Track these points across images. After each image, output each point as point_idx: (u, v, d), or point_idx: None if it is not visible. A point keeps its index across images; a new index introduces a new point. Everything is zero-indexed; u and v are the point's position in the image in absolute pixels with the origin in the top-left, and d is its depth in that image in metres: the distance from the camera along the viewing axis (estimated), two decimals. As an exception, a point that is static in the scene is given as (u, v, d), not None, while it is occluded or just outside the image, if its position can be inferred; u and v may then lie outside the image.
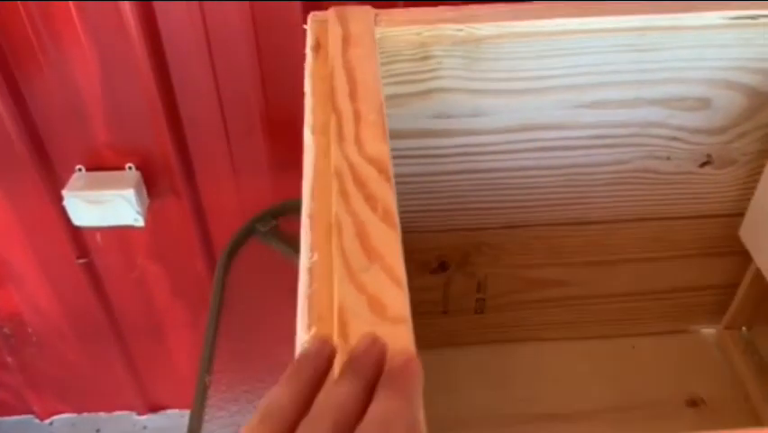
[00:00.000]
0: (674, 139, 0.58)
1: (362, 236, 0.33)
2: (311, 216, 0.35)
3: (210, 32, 0.83)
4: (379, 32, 0.51)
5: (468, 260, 0.68)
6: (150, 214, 0.97)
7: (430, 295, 0.70)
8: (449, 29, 0.51)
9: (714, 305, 0.73)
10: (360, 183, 0.36)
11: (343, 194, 0.35)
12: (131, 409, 1.27)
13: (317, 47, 0.49)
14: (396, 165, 0.58)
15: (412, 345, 0.27)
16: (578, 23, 0.52)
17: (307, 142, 0.40)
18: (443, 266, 0.68)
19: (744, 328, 0.75)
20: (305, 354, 0.26)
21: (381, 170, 0.36)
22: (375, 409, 0.23)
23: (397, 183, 0.60)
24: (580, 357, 0.74)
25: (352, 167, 0.37)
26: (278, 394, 0.24)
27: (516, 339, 0.74)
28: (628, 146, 0.58)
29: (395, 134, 0.56)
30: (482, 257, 0.67)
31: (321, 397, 0.24)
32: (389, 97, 0.54)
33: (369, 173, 0.36)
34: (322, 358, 0.26)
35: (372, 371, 0.25)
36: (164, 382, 1.24)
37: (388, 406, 0.23)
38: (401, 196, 0.61)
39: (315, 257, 0.33)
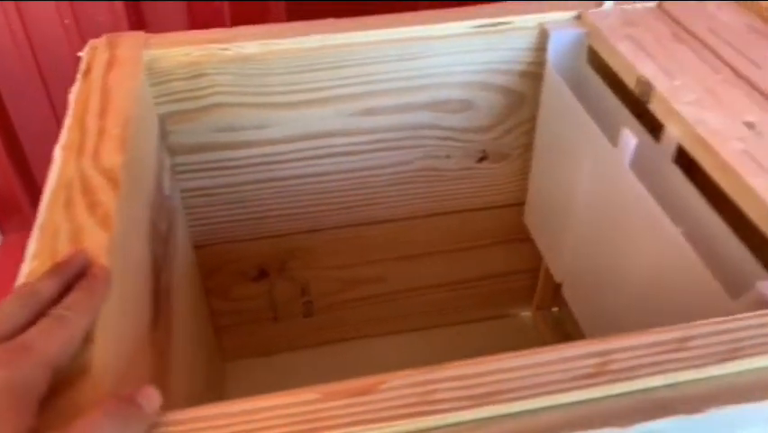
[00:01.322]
0: (448, 138, 0.64)
1: (76, 240, 0.36)
2: (41, 227, 0.37)
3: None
4: (150, 54, 0.54)
5: (286, 265, 0.71)
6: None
7: (257, 303, 0.73)
8: (217, 48, 0.55)
9: (524, 289, 0.80)
10: (87, 192, 0.38)
11: (68, 203, 0.38)
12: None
13: (87, 72, 0.51)
14: (192, 179, 0.61)
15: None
16: (339, 38, 0.57)
17: (55, 159, 0.42)
18: (263, 273, 0.71)
19: (555, 308, 0.82)
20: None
21: (110, 179, 0.39)
22: (65, 299, 0.31)
23: (199, 196, 0.63)
24: (409, 349, 0.79)
25: (83, 178, 0.40)
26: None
27: (347, 338, 0.78)
28: (407, 148, 0.64)
29: (183, 150, 0.59)
30: (298, 262, 0.71)
31: (20, 285, 0.32)
32: (170, 115, 0.57)
33: (98, 183, 0.39)
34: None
35: (71, 274, 0.32)
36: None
37: (74, 296, 0.31)
38: (207, 208, 0.65)
39: (35, 264, 0.35)
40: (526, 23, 0.58)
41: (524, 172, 0.68)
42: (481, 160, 0.67)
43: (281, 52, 0.56)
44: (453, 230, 0.72)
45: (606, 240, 0.53)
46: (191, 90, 0.56)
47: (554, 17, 0.58)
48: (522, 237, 0.73)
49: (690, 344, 0.32)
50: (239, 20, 0.84)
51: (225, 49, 0.54)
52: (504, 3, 0.61)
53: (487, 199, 0.70)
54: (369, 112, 0.61)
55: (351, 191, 0.66)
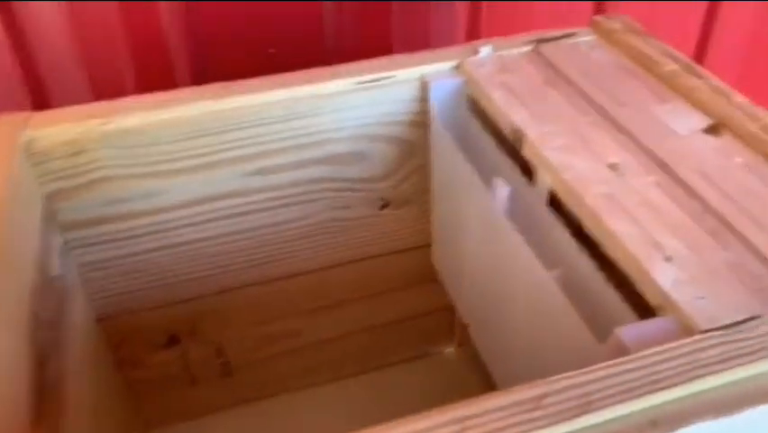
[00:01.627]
0: (347, 190, 0.65)
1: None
2: None
3: None
4: (28, 135, 0.53)
5: (197, 329, 0.70)
6: None
7: (171, 369, 0.72)
8: (96, 123, 0.54)
9: (445, 326, 0.81)
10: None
11: None
12: None
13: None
14: (87, 253, 0.60)
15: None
16: (224, 104, 0.57)
17: None
18: (173, 339, 0.70)
19: (477, 342, 0.83)
20: None
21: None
22: None
23: (96, 269, 0.62)
24: (334, 399, 0.79)
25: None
26: None
27: (269, 394, 0.77)
28: (306, 202, 0.64)
29: (74, 225, 0.58)
30: (210, 324, 0.70)
31: None
32: (56, 193, 0.56)
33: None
34: None
35: None
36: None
37: None
38: (106, 280, 0.63)
39: None
40: (408, 75, 0.59)
41: (428, 215, 0.69)
42: (383, 207, 0.67)
43: (164, 122, 0.56)
44: (365, 276, 0.72)
45: (493, 284, 0.54)
46: (74, 167, 0.55)
47: (435, 68, 0.60)
48: (435, 277, 0.74)
49: (545, 402, 0.33)
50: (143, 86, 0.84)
51: (105, 123, 0.54)
52: (389, 56, 0.62)
53: (396, 243, 0.71)
54: (261, 171, 0.61)
55: (255, 249, 0.66)
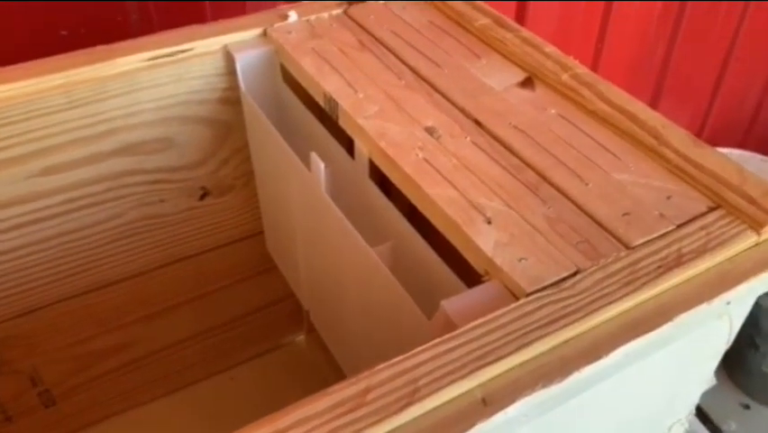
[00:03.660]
0: (157, 182, 0.58)
1: None
2: None
3: None
4: None
5: (1, 358, 0.60)
6: None
7: (-25, 409, 0.62)
8: None
9: (292, 314, 0.76)
10: None
11: None
12: None
13: None
14: None
15: None
16: (-17, 94, 0.48)
17: None
18: (-29, 376, 0.60)
19: (329, 325, 0.80)
20: None
21: None
22: None
23: None
24: (182, 410, 0.72)
25: None
26: None
27: (103, 418, 0.69)
28: (112, 200, 0.56)
29: None
30: (17, 350, 0.61)
31: None
32: None
33: None
34: None
35: None
36: None
37: None
38: None
39: None
40: (209, 47, 0.53)
41: (255, 201, 0.64)
42: (203, 197, 0.61)
43: None
44: (196, 275, 0.66)
45: (325, 267, 0.50)
46: None
47: (239, 37, 0.54)
48: (273, 265, 0.69)
49: (369, 396, 0.29)
50: None
51: None
52: (187, 27, 0.55)
53: (223, 235, 0.65)
54: (47, 171, 0.52)
55: (60, 260, 0.57)
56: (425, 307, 0.37)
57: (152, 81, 0.53)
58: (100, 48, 0.52)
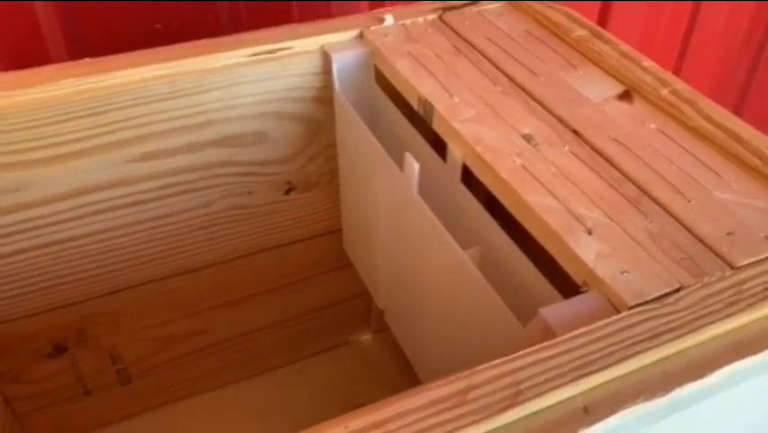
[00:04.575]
0: (248, 174, 0.59)
1: None
2: None
3: None
4: None
5: (86, 334, 0.63)
6: None
7: (61, 380, 0.65)
8: (-58, 106, 0.46)
9: (360, 313, 0.77)
10: None
11: None
12: None
13: None
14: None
15: None
16: (96, 81, 0.50)
17: None
18: (59, 348, 0.63)
19: (395, 328, 0.80)
20: None
21: None
22: None
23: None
24: (247, 398, 0.74)
25: None
26: None
27: (174, 400, 0.71)
28: (204, 189, 0.58)
29: None
30: (101, 328, 0.63)
31: None
32: None
33: None
34: None
35: None
36: None
37: None
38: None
39: None
40: (306, 46, 0.55)
41: (337, 198, 0.65)
42: (289, 191, 0.63)
43: (27, 103, 0.48)
44: (274, 267, 0.67)
45: (407, 268, 0.50)
46: None
47: (335, 38, 0.55)
48: (348, 263, 0.70)
49: (471, 396, 0.30)
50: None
51: (-47, 106, 0.46)
52: (286, 26, 0.57)
53: (304, 230, 0.66)
54: (147, 157, 0.54)
55: (148, 243, 0.60)
56: (514, 313, 0.37)
57: (252, 76, 0.54)
58: (204, 41, 0.54)
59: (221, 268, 0.64)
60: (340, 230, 0.68)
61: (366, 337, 0.80)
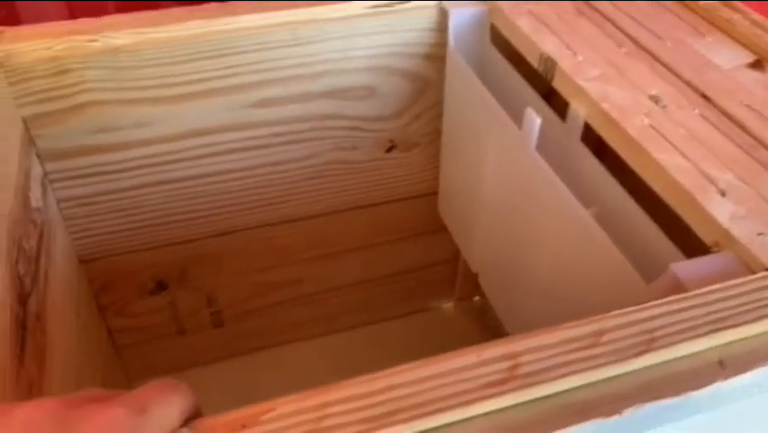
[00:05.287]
0: (354, 129, 0.60)
1: None
2: None
3: None
4: (4, 49, 0.47)
5: (187, 274, 0.66)
6: None
7: (158, 317, 0.68)
8: (82, 40, 0.49)
9: (444, 280, 0.77)
10: None
11: None
12: None
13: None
14: (68, 187, 0.55)
15: None
16: (221, 24, 0.52)
17: None
18: (161, 285, 0.66)
19: (477, 298, 0.80)
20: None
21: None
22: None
23: (79, 205, 0.57)
24: (330, 353, 0.75)
25: None
26: None
27: (262, 347, 0.74)
28: (312, 140, 0.60)
29: (54, 155, 0.53)
30: (203, 269, 0.66)
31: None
32: (35, 117, 0.50)
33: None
34: None
35: None
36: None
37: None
38: (89, 218, 0.58)
39: None
40: (424, 1, 0.55)
41: (436, 160, 0.65)
42: (390, 149, 0.63)
43: (156, 41, 0.50)
44: (369, 225, 0.68)
45: (516, 227, 0.50)
46: (56, 89, 0.50)
47: (454, -6, 0.55)
48: (439, 227, 0.70)
49: (604, 338, 0.29)
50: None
51: (93, 40, 0.49)
52: (403, -19, 0.57)
53: (400, 190, 0.67)
54: (263, 103, 0.56)
55: (255, 190, 0.62)
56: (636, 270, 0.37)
57: (369, 29, 0.55)
58: (323, -6, 0.55)
59: (319, 220, 0.66)
60: (435, 193, 0.68)
61: (448, 305, 0.80)
